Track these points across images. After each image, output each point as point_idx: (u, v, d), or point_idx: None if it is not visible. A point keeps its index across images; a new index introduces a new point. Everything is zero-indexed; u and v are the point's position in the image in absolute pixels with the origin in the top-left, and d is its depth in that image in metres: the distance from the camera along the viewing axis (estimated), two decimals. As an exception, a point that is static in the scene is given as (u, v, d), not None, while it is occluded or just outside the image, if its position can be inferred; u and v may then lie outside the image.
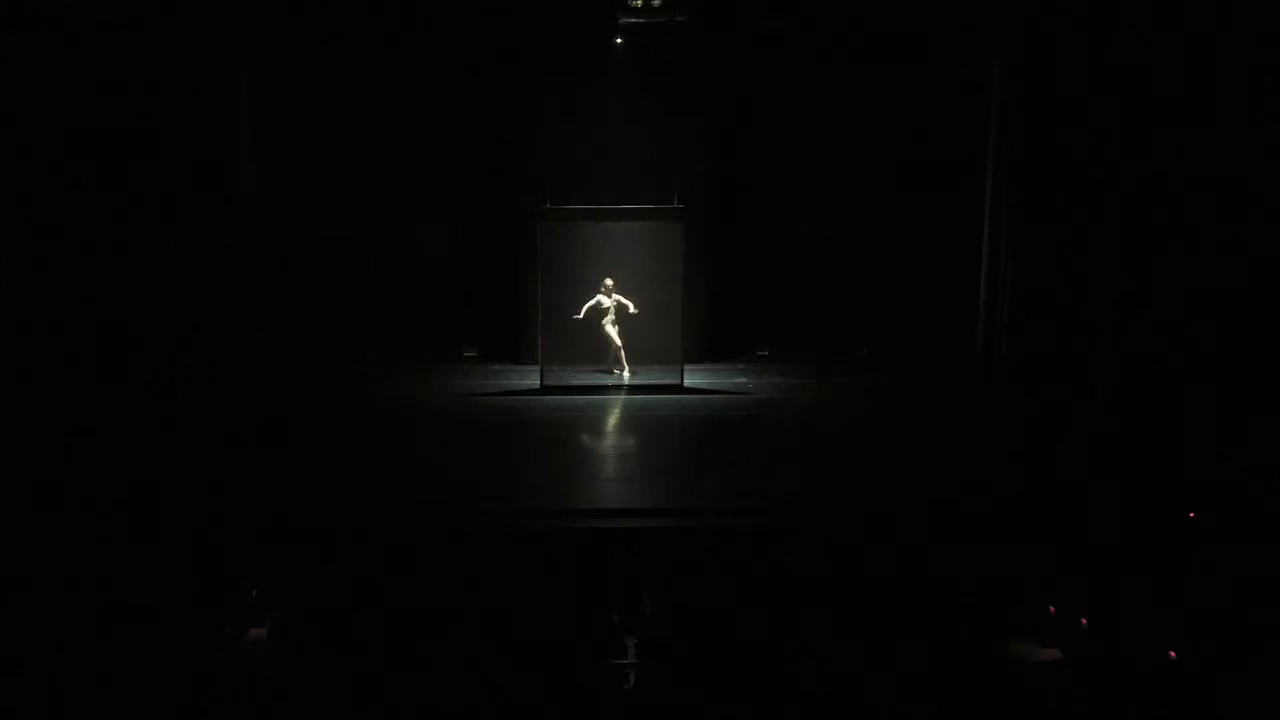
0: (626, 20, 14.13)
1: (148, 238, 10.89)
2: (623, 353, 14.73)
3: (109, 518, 8.86)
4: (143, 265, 10.78)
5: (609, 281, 14.52)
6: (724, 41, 15.34)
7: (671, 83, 15.58)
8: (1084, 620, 6.79)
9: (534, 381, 14.33)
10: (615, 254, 15.05)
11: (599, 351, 14.94)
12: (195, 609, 7.24)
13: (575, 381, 14.45)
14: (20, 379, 9.70)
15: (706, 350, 16.03)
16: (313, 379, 13.80)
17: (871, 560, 8.48)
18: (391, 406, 13.51)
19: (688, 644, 7.11)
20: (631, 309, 14.50)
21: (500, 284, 16.07)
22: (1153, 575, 7.56)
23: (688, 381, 14.38)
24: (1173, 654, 6.24)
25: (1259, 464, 9.29)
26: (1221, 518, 8.42)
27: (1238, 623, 6.66)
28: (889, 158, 15.27)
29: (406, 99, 15.46)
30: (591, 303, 14.47)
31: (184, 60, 11.48)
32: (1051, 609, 7.00)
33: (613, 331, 14.62)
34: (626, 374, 14.72)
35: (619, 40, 14.99)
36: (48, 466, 9.70)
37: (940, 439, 11.83)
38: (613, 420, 13.46)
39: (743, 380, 15.05)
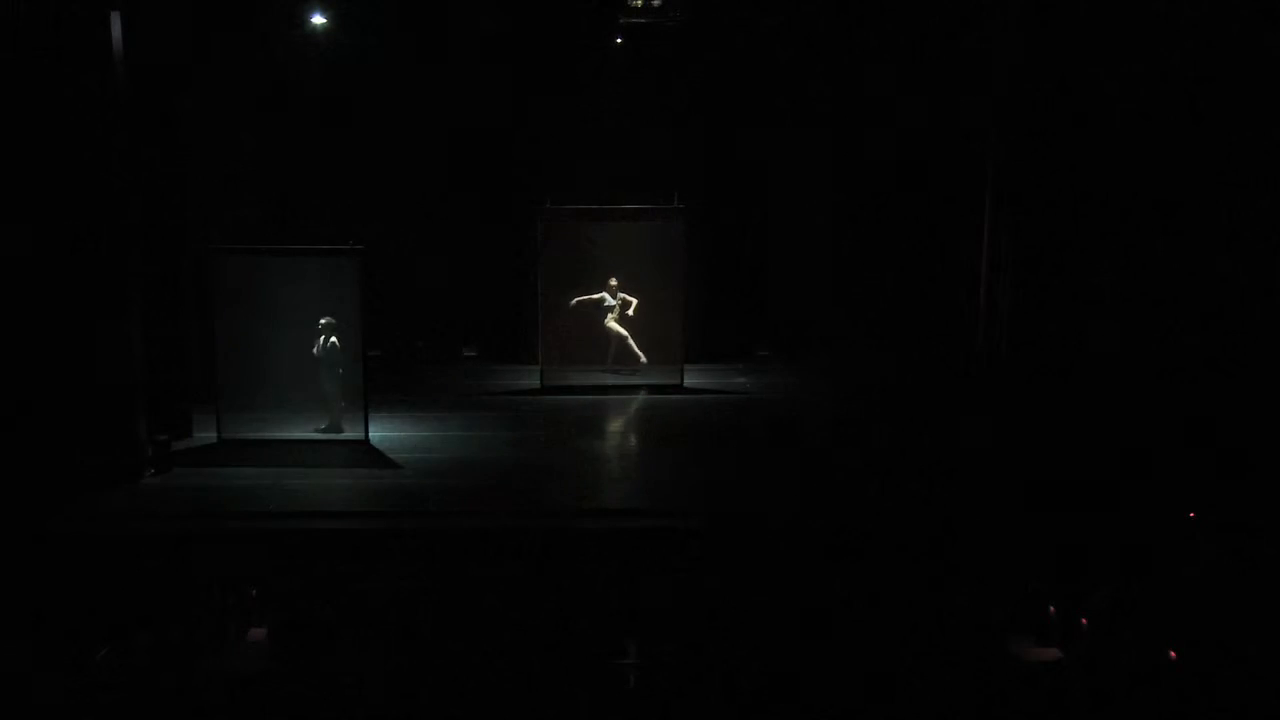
0: (626, 20, 14.10)
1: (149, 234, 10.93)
2: (629, 340, 14.63)
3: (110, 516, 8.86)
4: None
5: (614, 281, 14.52)
6: (724, 41, 15.32)
7: (671, 82, 15.56)
8: (1084, 620, 6.80)
9: (534, 381, 14.33)
10: (615, 254, 15.02)
11: (599, 351, 14.91)
12: (195, 609, 7.25)
13: (575, 381, 14.45)
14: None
15: (706, 351, 16.01)
16: (311, 378, 13.79)
17: (871, 560, 8.49)
18: (391, 406, 13.49)
19: (688, 642, 7.11)
20: (631, 310, 14.49)
21: (500, 284, 16.04)
22: (1152, 575, 7.57)
23: (688, 381, 14.38)
24: (1173, 654, 6.25)
25: (1260, 462, 9.30)
26: (1221, 516, 8.44)
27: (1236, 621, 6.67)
28: (889, 157, 15.25)
29: (407, 98, 15.42)
30: (595, 297, 14.47)
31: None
32: (1051, 609, 7.00)
33: (616, 328, 14.60)
34: (643, 359, 14.62)
35: (619, 40, 14.97)
36: (48, 466, 9.71)
37: (940, 439, 11.83)
38: (613, 420, 13.45)
39: (742, 381, 15.03)
